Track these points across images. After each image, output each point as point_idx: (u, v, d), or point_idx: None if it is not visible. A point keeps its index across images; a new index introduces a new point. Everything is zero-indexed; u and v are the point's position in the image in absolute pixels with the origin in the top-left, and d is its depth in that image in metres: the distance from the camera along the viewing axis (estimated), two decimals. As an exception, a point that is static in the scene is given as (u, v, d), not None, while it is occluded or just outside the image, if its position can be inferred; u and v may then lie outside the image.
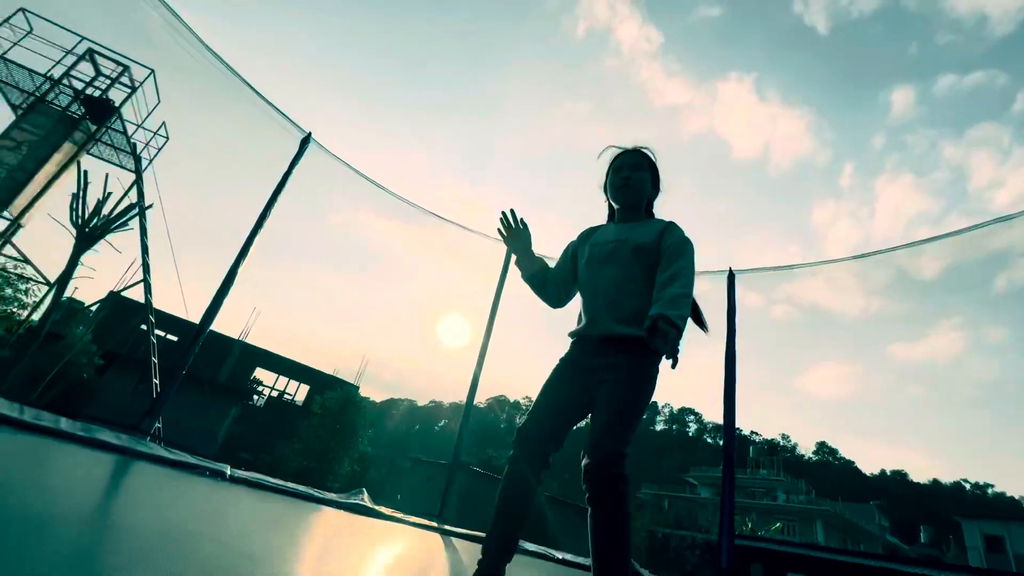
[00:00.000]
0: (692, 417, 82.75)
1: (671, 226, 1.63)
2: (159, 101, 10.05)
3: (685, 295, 1.43)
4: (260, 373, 23.66)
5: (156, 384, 8.21)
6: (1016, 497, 60.87)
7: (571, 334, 1.66)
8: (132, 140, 10.16)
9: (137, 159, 10.30)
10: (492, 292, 5.77)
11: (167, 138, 10.52)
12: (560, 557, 3.24)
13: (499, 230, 1.75)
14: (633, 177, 1.71)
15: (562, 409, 1.52)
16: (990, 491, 65.56)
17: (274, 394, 23.84)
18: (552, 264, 1.85)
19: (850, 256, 4.55)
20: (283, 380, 24.22)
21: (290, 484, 3.20)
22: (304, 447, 16.06)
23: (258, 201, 4.48)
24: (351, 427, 16.78)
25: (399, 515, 3.24)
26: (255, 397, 22.54)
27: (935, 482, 68.72)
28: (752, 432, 75.23)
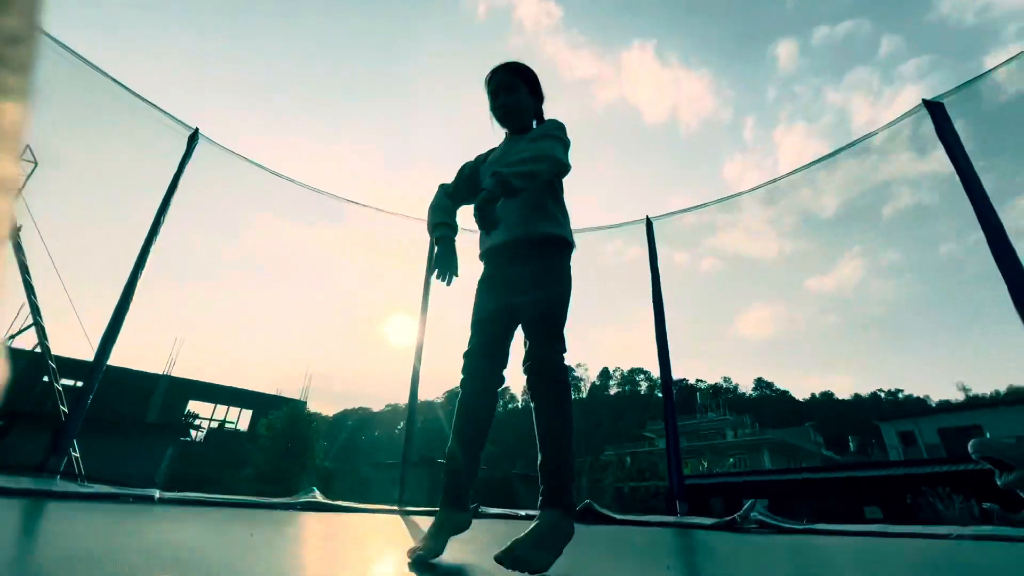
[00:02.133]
0: (642, 376, 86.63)
1: (546, 123, 1.63)
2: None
3: (530, 157, 1.43)
4: (195, 406, 22.04)
5: (64, 412, 7.40)
6: (920, 396, 69.51)
7: (481, 255, 1.67)
8: (-8, 168, 8.93)
9: (2, 189, 9.09)
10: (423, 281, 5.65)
11: (35, 163, 9.35)
12: (524, 514, 3.28)
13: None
14: (509, 101, 1.68)
15: (495, 322, 1.53)
16: (900, 395, 74.29)
17: (214, 425, 22.34)
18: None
19: (749, 189, 4.87)
20: (222, 409, 22.72)
21: (232, 496, 3.00)
22: (255, 472, 15.22)
23: (152, 214, 4.08)
24: (303, 444, 16.08)
25: (355, 505, 3.15)
26: (192, 432, 21.00)
27: (856, 396, 76.80)
28: (697, 380, 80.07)
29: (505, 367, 1.53)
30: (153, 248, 3.77)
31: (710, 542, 2.41)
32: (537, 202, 1.56)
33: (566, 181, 1.69)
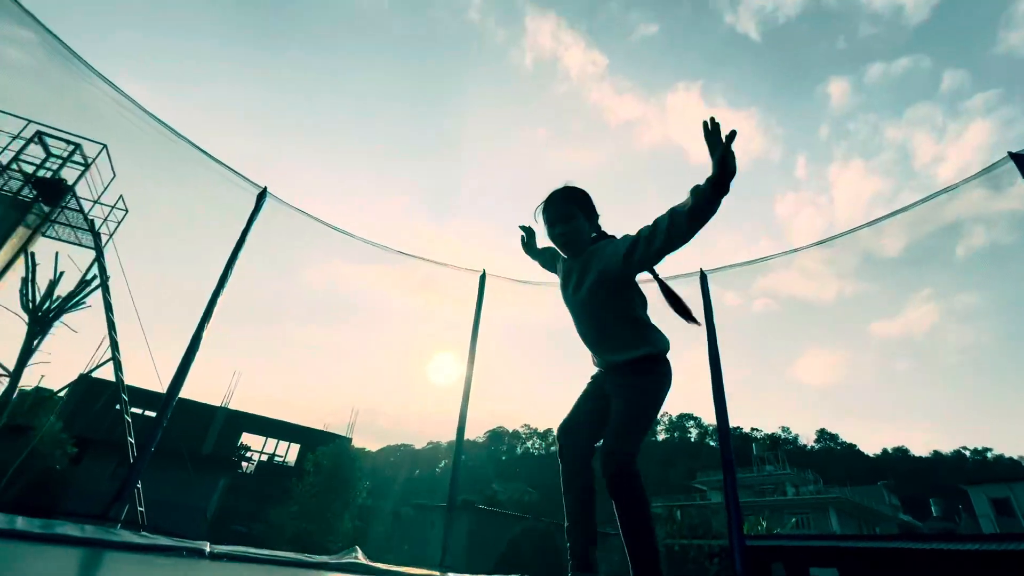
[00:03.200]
0: (692, 422, 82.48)
1: (616, 238, 1.72)
2: (114, 175, 9.92)
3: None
4: (247, 439, 22.84)
5: (138, 490, 7.81)
6: (1015, 457, 61.81)
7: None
8: (90, 217, 9.95)
9: (96, 235, 10.07)
10: (471, 324, 5.70)
11: (126, 211, 10.34)
12: None
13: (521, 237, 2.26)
14: (567, 230, 1.72)
15: (590, 411, 1.74)
16: (989, 455, 66.46)
17: (264, 458, 22.98)
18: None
19: (811, 244, 4.66)
20: (272, 442, 23.41)
21: (278, 552, 3.02)
22: (300, 509, 15.38)
23: (221, 263, 4.39)
24: (347, 481, 16.19)
25: (395, 568, 3.08)
26: (244, 464, 21.67)
27: (936, 453, 69.45)
28: (752, 429, 75.27)
29: (596, 443, 1.71)
30: (221, 297, 4.02)
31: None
32: (625, 319, 1.73)
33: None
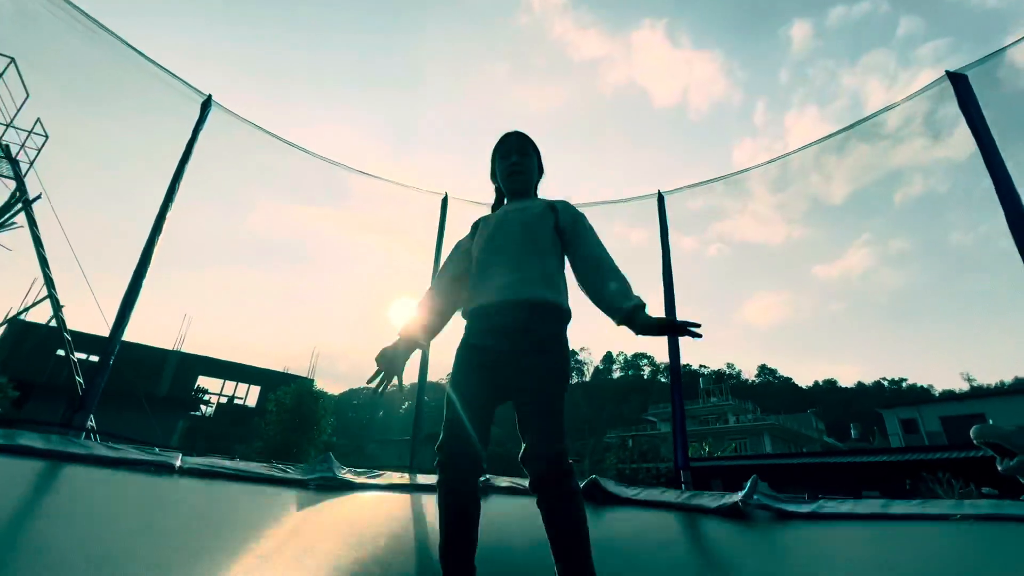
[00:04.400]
0: (645, 361, 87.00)
1: (560, 202, 1.66)
2: (27, 95, 8.85)
3: (626, 281, 1.48)
4: (204, 382, 22.42)
5: (80, 383, 7.55)
6: (924, 385, 69.47)
7: (472, 312, 1.53)
8: (3, 142, 8.95)
9: (14, 162, 9.12)
10: (433, 257, 5.63)
11: (46, 136, 9.35)
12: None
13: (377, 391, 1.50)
14: (523, 162, 1.72)
15: (482, 406, 1.38)
16: (904, 384, 74.26)
17: (223, 400, 22.75)
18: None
19: (760, 164, 4.82)
20: (231, 385, 23.10)
21: (252, 465, 3.09)
22: (264, 446, 15.52)
23: (161, 192, 4.08)
24: (311, 419, 16.35)
25: (370, 480, 3.23)
26: (202, 407, 21.41)
27: (859, 384, 76.86)
28: (700, 365, 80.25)
29: (485, 449, 1.35)
30: (168, 217, 3.77)
31: (718, 533, 2.47)
32: (544, 265, 1.51)
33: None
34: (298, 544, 1.73)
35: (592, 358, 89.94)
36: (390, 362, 1.45)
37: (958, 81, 3.76)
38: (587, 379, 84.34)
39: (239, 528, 1.95)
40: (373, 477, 3.35)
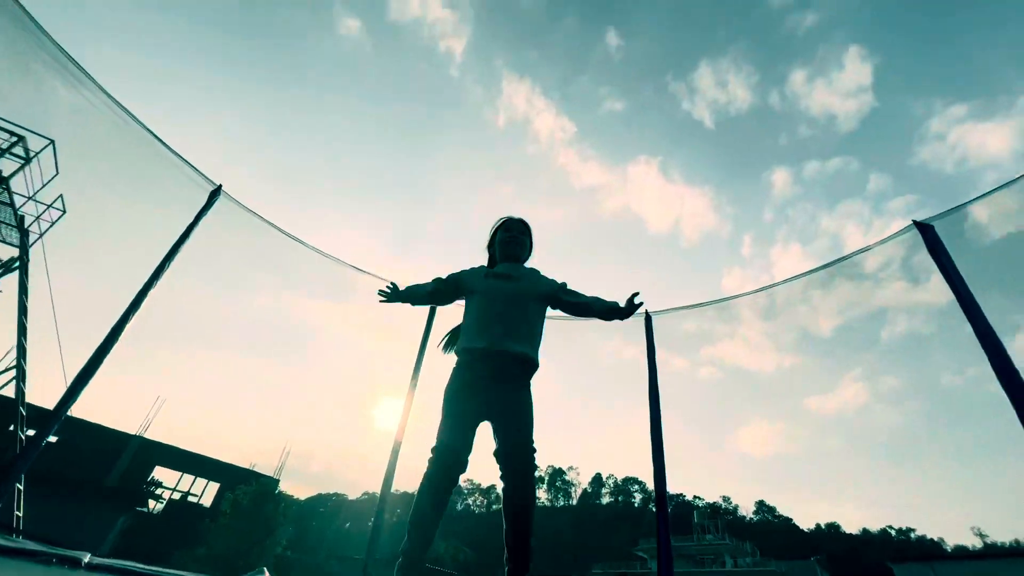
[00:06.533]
0: (636, 487, 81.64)
1: (559, 286, 2.23)
2: (57, 172, 9.38)
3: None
4: (161, 473, 20.71)
5: (19, 490, 6.86)
6: (935, 538, 64.43)
7: (467, 349, 2.02)
8: (20, 212, 9.27)
9: (23, 232, 9.35)
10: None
11: (63, 211, 9.72)
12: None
13: (380, 300, 2.31)
14: (522, 238, 2.29)
15: (471, 421, 1.90)
16: (912, 535, 68.85)
17: (176, 496, 20.81)
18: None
19: (747, 292, 4.95)
20: (188, 479, 21.30)
21: (170, 571, 2.70)
22: (207, 553, 13.80)
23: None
24: (267, 526, 14.80)
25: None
26: (151, 502, 19.51)
27: (864, 531, 71.31)
28: (695, 497, 75.30)
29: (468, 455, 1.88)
30: (151, 294, 3.73)
31: None
32: (537, 328, 2.12)
33: (568, 279, 2.27)
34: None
35: (580, 479, 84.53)
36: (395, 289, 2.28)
37: (926, 231, 3.99)
38: (574, 502, 78.42)
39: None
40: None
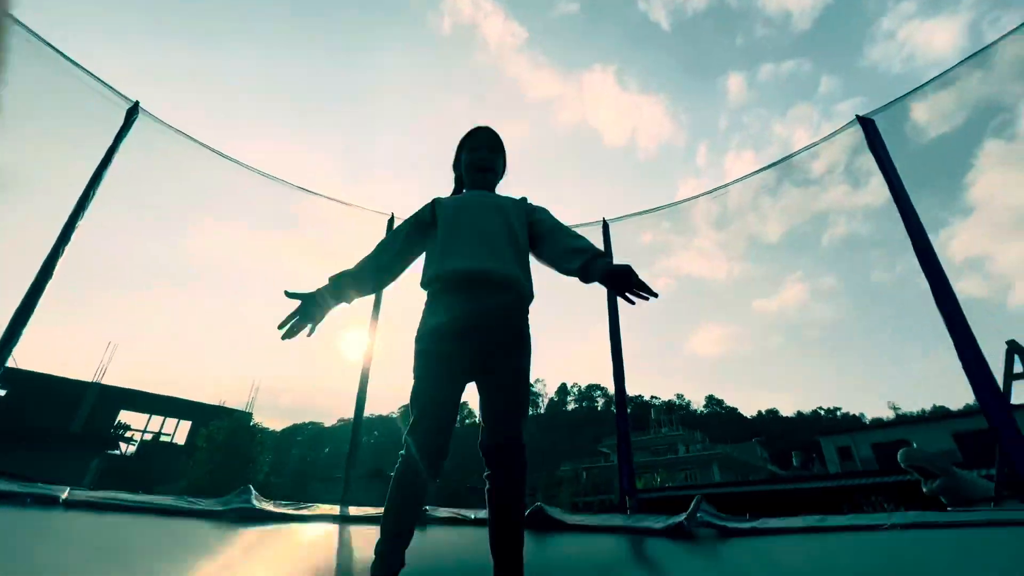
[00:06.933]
0: (599, 392, 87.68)
1: (529, 203, 1.67)
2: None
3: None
4: (127, 417, 20.51)
5: None
6: (855, 414, 73.74)
7: (438, 276, 1.43)
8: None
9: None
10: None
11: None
12: (473, 516, 3.17)
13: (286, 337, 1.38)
14: (492, 158, 1.69)
15: (454, 390, 1.35)
16: (839, 413, 78.48)
17: (147, 437, 20.83)
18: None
19: (698, 195, 5.04)
20: (157, 420, 21.25)
21: (155, 498, 2.75)
22: (189, 485, 14.22)
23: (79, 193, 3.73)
24: (245, 456, 15.20)
25: (290, 511, 2.94)
26: (123, 444, 19.50)
27: (799, 413, 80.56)
28: (652, 397, 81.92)
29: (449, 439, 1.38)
30: (86, 232, 3.45)
31: (661, 551, 2.40)
32: (518, 248, 1.50)
33: (524, 192, 1.73)
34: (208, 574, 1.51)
35: (547, 390, 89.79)
36: (310, 305, 1.36)
37: (867, 124, 4.10)
38: (542, 411, 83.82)
39: (138, 560, 1.68)
40: (299, 509, 3.07)
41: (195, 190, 5.82)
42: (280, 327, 1.34)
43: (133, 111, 3.70)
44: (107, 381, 19.30)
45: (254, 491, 3.00)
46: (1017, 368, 3.41)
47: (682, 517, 2.81)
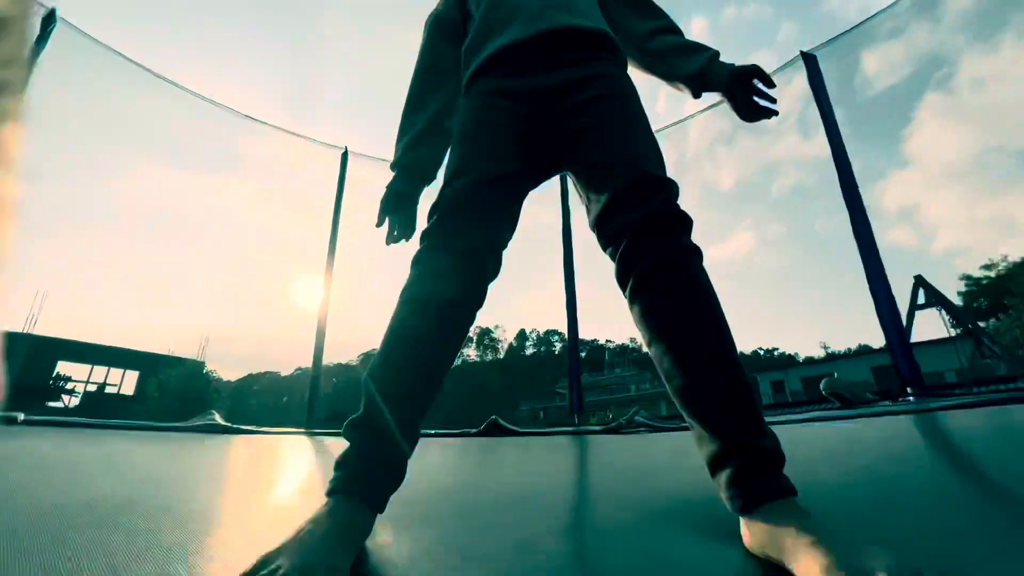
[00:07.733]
0: (556, 337, 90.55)
1: None
2: None
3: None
4: (67, 368, 19.60)
5: None
6: (791, 353, 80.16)
7: (491, 58, 0.94)
8: None
9: None
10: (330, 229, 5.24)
11: None
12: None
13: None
14: None
15: (509, 173, 0.87)
16: (776, 353, 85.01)
17: (92, 389, 20.09)
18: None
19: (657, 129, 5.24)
20: (101, 371, 20.44)
21: (113, 420, 2.80)
22: (144, 433, 14.08)
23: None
24: (200, 403, 15.04)
25: (261, 428, 3.07)
26: (65, 396, 18.76)
27: (741, 353, 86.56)
28: (607, 340, 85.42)
29: (503, 248, 0.87)
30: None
31: (601, 442, 2.70)
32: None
33: None
34: (175, 483, 1.62)
35: (506, 336, 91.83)
36: (404, 215, 1.00)
37: (809, 60, 4.30)
38: (501, 356, 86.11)
39: (116, 466, 1.77)
40: (261, 427, 3.20)
41: (124, 117, 5.41)
42: (388, 244, 1.00)
43: (50, 18, 3.37)
44: (40, 332, 18.22)
45: (216, 413, 3.09)
46: (920, 300, 3.88)
47: (622, 420, 3.16)
